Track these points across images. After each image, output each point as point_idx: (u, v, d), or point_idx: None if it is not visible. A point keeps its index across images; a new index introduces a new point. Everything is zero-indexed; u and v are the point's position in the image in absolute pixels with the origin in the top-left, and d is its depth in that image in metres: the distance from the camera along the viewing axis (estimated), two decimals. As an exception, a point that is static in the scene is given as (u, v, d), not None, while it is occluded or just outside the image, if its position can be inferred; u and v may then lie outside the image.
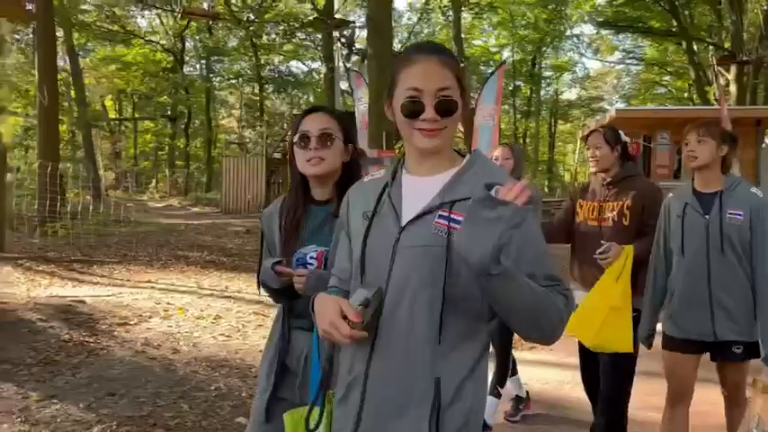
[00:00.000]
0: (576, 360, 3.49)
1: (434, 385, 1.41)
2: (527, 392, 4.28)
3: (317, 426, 1.56)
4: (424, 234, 1.43)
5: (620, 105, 35.10)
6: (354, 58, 26.39)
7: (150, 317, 6.42)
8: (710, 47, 26.91)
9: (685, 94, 34.81)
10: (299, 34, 29.23)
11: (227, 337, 5.90)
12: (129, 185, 34.21)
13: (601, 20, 30.41)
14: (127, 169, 37.75)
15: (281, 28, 26.90)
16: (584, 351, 3.32)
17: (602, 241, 3.07)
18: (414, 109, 1.44)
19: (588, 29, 40.91)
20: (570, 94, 43.58)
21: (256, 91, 37.38)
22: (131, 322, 6.19)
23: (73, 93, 26.95)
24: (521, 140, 38.54)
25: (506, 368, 3.91)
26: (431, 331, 1.41)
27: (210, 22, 31.91)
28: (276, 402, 2.06)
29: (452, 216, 1.41)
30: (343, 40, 25.09)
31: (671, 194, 3.06)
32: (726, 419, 3.09)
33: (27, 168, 20.68)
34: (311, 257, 2.03)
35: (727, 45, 24.82)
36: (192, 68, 38.50)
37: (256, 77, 36.24)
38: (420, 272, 1.42)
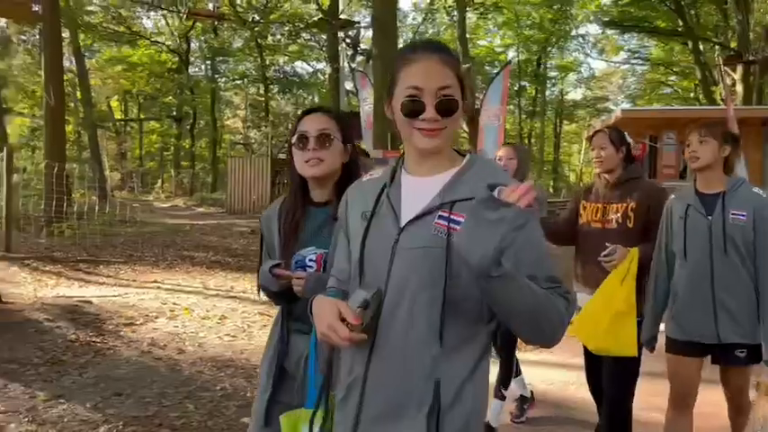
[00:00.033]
0: (580, 361, 3.49)
1: (434, 387, 1.38)
2: (531, 392, 4.27)
3: (320, 429, 1.55)
4: (424, 235, 1.41)
5: (626, 105, 35.01)
6: (359, 58, 26.46)
7: (156, 317, 6.45)
8: (717, 47, 26.74)
9: (691, 95, 34.61)
10: (303, 35, 29.20)
11: (233, 337, 5.92)
12: (135, 186, 34.24)
13: (606, 20, 30.27)
14: (132, 170, 37.81)
15: (286, 28, 26.86)
16: (588, 352, 3.30)
17: (606, 243, 3.03)
18: (414, 108, 1.41)
19: (593, 29, 40.70)
20: (575, 95, 43.46)
21: (261, 91, 37.33)
22: (137, 322, 6.22)
23: (79, 93, 27.02)
24: (526, 141, 38.42)
25: (510, 370, 3.89)
26: (430, 333, 1.39)
27: (216, 23, 31.99)
28: (275, 405, 2.05)
29: (452, 217, 1.39)
30: (348, 40, 25.13)
31: (672, 196, 3.04)
32: (730, 422, 3.08)
33: (33, 169, 20.72)
34: (310, 260, 2.02)
35: (733, 45, 24.70)
36: (197, 69, 38.61)
37: (261, 78, 36.21)
38: (419, 273, 1.39)
